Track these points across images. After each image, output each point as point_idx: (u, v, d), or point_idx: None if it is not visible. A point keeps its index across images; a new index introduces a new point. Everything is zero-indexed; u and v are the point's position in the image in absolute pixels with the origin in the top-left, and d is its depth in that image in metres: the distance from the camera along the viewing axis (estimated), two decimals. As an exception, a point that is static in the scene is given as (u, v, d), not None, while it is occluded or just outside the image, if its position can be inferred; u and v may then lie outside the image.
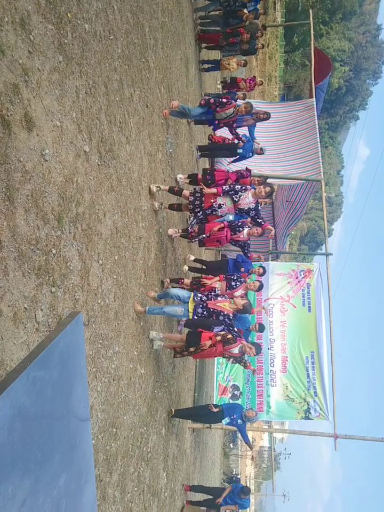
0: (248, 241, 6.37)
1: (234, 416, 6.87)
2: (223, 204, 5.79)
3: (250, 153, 6.78)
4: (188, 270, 7.52)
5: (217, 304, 5.14)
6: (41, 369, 1.36)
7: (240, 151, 6.85)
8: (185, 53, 8.32)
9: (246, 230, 6.11)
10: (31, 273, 2.57)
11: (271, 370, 8.51)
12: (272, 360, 8.66)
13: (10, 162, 2.38)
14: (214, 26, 9.93)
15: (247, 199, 5.73)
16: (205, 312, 5.07)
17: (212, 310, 5.08)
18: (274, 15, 36.44)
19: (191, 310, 5.07)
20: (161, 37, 6.25)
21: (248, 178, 6.28)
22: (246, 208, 5.84)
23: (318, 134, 10.81)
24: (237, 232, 6.16)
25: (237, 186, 5.90)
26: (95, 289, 3.59)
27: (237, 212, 5.88)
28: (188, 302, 5.16)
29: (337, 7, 42.39)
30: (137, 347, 4.80)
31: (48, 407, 1.42)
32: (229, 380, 8.54)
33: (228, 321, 5.15)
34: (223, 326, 5.17)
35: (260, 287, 6.37)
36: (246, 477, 45.13)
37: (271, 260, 10.26)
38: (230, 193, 5.87)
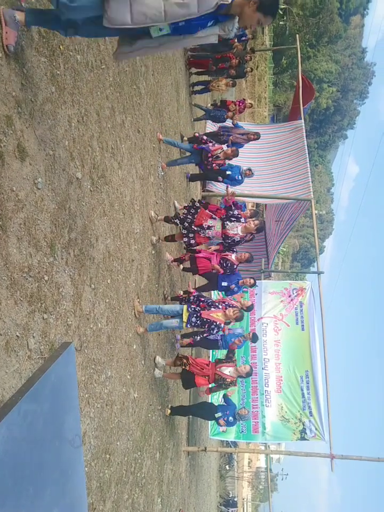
0: (236, 265, 6.54)
1: (227, 413, 7.00)
2: (212, 226, 5.97)
3: (239, 176, 6.89)
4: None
5: (211, 314, 5.43)
6: (33, 403, 1.36)
7: (229, 173, 7.00)
8: (176, 78, 8.51)
9: (233, 255, 6.30)
10: (23, 301, 2.58)
11: (265, 390, 8.46)
12: (266, 380, 8.62)
13: (3, 192, 2.42)
14: (204, 52, 10.20)
15: (236, 230, 5.96)
16: (198, 322, 5.34)
17: (205, 319, 5.36)
18: (262, 38, 37.34)
19: (185, 319, 5.33)
20: (152, 64, 6.40)
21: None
22: (230, 238, 6.07)
23: (307, 154, 11.02)
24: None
25: (235, 212, 6.08)
26: (87, 314, 3.60)
27: (223, 237, 6.12)
28: (181, 315, 5.40)
29: (323, 31, 43.64)
30: (130, 371, 4.77)
31: (40, 440, 1.42)
32: (224, 401, 8.45)
33: (218, 330, 5.52)
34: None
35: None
36: (243, 499, 44.13)
37: (263, 279, 10.30)
38: (227, 215, 6.07)
